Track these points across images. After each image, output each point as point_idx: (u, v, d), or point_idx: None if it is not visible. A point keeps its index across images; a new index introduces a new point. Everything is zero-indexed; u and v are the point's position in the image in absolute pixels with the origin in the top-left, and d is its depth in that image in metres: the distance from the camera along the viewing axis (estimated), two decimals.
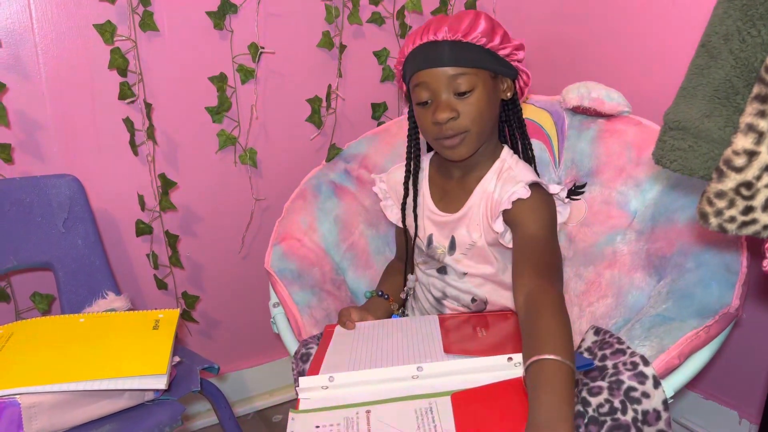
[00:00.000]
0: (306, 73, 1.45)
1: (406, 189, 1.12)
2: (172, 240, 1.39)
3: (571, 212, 1.26)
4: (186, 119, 1.36)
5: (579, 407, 0.82)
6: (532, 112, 1.34)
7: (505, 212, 0.98)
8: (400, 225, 1.17)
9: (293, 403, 1.60)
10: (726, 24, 0.73)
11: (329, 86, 1.47)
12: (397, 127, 1.41)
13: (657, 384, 0.85)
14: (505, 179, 1.03)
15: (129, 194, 1.34)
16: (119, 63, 1.24)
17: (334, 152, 1.38)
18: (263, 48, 1.38)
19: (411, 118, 1.10)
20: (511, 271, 0.94)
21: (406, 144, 1.12)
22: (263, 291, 1.27)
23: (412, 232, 1.12)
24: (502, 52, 0.98)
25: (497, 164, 1.05)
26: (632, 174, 1.19)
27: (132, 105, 1.29)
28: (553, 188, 1.02)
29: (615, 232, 1.19)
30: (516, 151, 1.11)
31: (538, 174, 1.10)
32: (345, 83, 1.51)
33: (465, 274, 1.07)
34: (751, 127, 0.65)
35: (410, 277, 1.15)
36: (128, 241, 1.37)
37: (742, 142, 0.66)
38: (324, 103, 1.48)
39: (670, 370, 0.88)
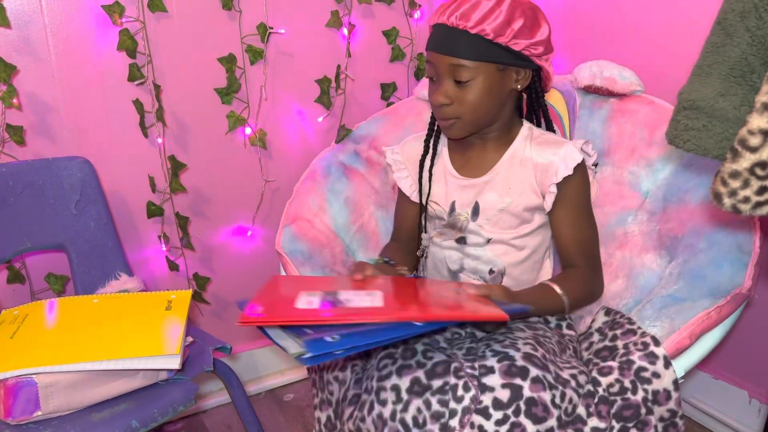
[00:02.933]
0: (315, 54, 1.45)
1: (427, 147, 1.11)
2: (182, 222, 1.40)
3: None
4: (195, 101, 1.36)
5: (589, 387, 0.83)
6: None
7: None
8: (414, 198, 1.15)
9: (304, 382, 1.62)
10: (743, 1, 0.71)
11: (338, 66, 1.46)
12: (407, 107, 1.40)
13: (668, 364, 0.85)
14: (541, 143, 1.03)
15: (140, 176, 1.34)
16: (128, 44, 1.23)
17: (343, 133, 1.38)
18: (272, 28, 1.37)
19: None
20: (559, 252, 1.04)
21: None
22: (274, 272, 1.27)
23: (425, 190, 1.11)
24: (515, 47, 0.95)
25: (525, 131, 1.05)
26: (644, 154, 1.18)
27: (141, 87, 1.28)
28: (591, 153, 1.04)
29: (626, 213, 1.18)
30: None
31: None
32: (354, 63, 1.50)
33: (489, 240, 1.05)
34: (766, 106, 0.65)
35: (424, 235, 1.13)
36: (140, 223, 1.38)
37: (758, 121, 0.65)
38: (333, 84, 1.47)
39: (680, 351, 0.89)
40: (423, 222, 1.13)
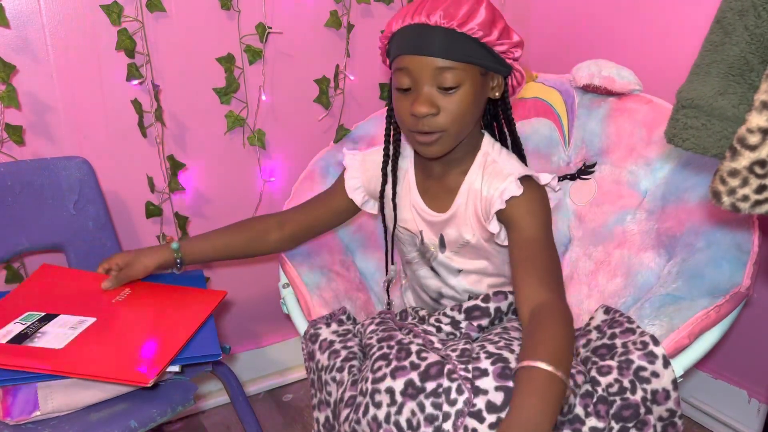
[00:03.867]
0: (314, 53, 1.45)
1: (385, 175, 1.03)
2: (181, 222, 1.40)
3: (581, 192, 1.26)
4: (194, 101, 1.35)
5: (588, 387, 0.82)
6: (541, 91, 1.33)
7: (498, 212, 0.92)
8: (368, 208, 1.10)
9: (303, 382, 1.62)
10: None
11: (337, 66, 1.46)
12: None
13: (666, 363, 0.85)
14: (491, 174, 0.95)
15: (138, 176, 1.34)
16: (127, 44, 1.23)
17: (342, 133, 1.38)
18: (271, 28, 1.37)
19: (390, 100, 0.97)
20: (513, 279, 0.88)
21: (385, 127, 1.02)
22: (273, 272, 1.27)
23: (390, 222, 1.06)
24: (498, 48, 0.89)
25: (480, 158, 0.97)
26: (643, 153, 1.18)
27: (140, 86, 1.28)
28: (544, 178, 0.95)
29: (625, 212, 1.19)
30: (505, 147, 1.03)
31: (525, 163, 1.02)
32: (353, 63, 1.50)
33: (460, 271, 1.04)
34: (765, 105, 0.65)
35: (391, 267, 1.12)
36: (138, 223, 1.38)
37: (757, 119, 0.65)
38: (332, 84, 1.47)
39: (679, 350, 0.89)
40: (390, 250, 1.11)
